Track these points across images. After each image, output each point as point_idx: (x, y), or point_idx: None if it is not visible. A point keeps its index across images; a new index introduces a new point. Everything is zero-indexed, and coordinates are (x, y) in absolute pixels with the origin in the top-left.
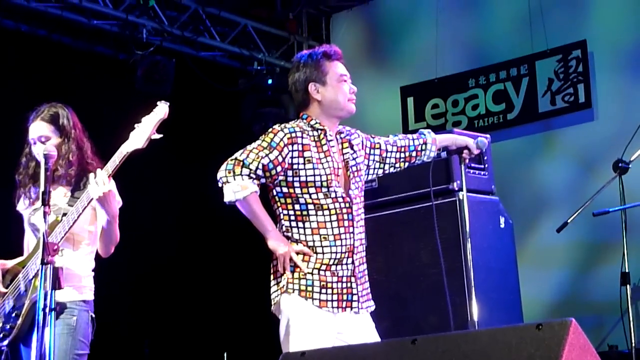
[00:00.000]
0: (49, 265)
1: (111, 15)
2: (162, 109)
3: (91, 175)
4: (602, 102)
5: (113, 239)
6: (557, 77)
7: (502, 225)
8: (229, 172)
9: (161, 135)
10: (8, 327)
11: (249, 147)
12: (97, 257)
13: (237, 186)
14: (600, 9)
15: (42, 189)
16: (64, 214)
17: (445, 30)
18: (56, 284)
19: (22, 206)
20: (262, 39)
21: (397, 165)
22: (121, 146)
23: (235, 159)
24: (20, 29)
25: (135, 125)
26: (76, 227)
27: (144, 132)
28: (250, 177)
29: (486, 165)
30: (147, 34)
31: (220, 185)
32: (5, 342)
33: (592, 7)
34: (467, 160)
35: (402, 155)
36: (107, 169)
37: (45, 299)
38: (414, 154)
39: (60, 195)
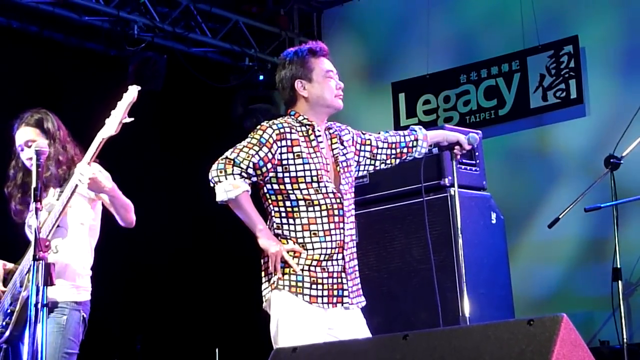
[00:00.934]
0: (40, 262)
1: (102, 11)
2: (131, 93)
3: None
4: (594, 98)
5: (127, 207)
6: (549, 73)
7: (494, 221)
8: (221, 172)
9: (132, 119)
10: (4, 323)
11: (238, 146)
12: (96, 253)
13: (228, 185)
14: (592, 5)
15: (34, 185)
16: None
17: (436, 26)
18: (48, 280)
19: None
20: (254, 35)
21: (388, 161)
22: (98, 133)
23: (226, 157)
24: (11, 26)
25: (112, 112)
26: (68, 222)
27: (115, 117)
28: (242, 176)
29: (477, 161)
30: (138, 30)
31: (212, 185)
32: (4, 338)
33: (583, 3)
34: (458, 156)
35: (393, 151)
36: (85, 158)
37: (37, 295)
38: (405, 150)
39: (51, 195)
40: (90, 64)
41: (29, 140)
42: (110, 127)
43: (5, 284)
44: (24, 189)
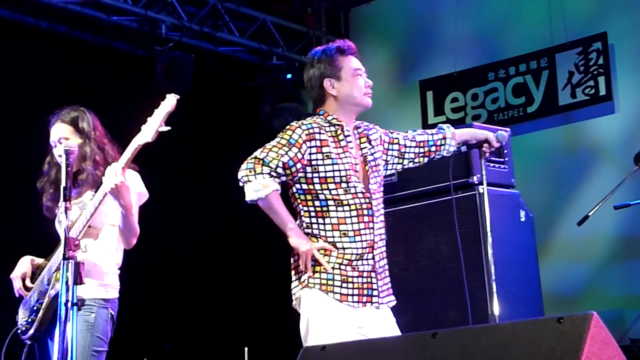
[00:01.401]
0: (70, 261)
1: (130, 11)
2: (169, 102)
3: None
4: (623, 95)
5: (132, 231)
6: (578, 70)
7: (523, 219)
8: (250, 171)
9: (169, 128)
10: (30, 320)
11: (268, 146)
12: (125, 252)
13: (258, 185)
14: (621, 1)
15: (63, 184)
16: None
17: (464, 23)
18: (77, 279)
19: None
20: (281, 33)
21: (417, 160)
22: (133, 139)
23: (255, 157)
24: (40, 26)
25: (148, 119)
26: (97, 222)
27: (152, 125)
28: (271, 176)
29: (506, 159)
30: (166, 29)
31: (241, 184)
32: (29, 334)
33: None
34: (487, 154)
35: (421, 150)
36: (120, 162)
37: (66, 294)
38: (433, 148)
39: (87, 196)
40: (119, 64)
41: (62, 137)
42: (147, 134)
43: (33, 280)
44: (56, 185)
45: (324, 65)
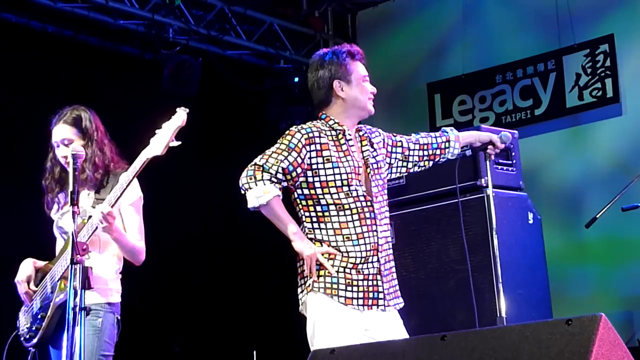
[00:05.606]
0: (78, 265)
1: (137, 15)
2: (180, 116)
3: (98, 207)
4: (630, 97)
5: (133, 252)
6: (585, 72)
7: (531, 221)
8: (250, 178)
9: (180, 143)
10: (34, 328)
11: (267, 152)
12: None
13: (259, 191)
14: (628, 3)
15: (70, 189)
16: (90, 217)
17: (471, 26)
18: (86, 284)
19: (53, 212)
20: (288, 37)
21: (422, 163)
22: (142, 152)
23: (255, 164)
24: (47, 30)
25: (156, 131)
26: (101, 233)
27: (163, 138)
28: (272, 182)
29: (514, 161)
30: (173, 33)
31: (242, 192)
32: (33, 342)
33: (619, 1)
34: (492, 156)
35: (425, 152)
36: (128, 174)
37: (75, 298)
38: (437, 152)
39: (84, 197)
40: (126, 68)
41: (65, 139)
42: (156, 147)
43: (35, 281)
44: (60, 183)
45: (335, 68)
